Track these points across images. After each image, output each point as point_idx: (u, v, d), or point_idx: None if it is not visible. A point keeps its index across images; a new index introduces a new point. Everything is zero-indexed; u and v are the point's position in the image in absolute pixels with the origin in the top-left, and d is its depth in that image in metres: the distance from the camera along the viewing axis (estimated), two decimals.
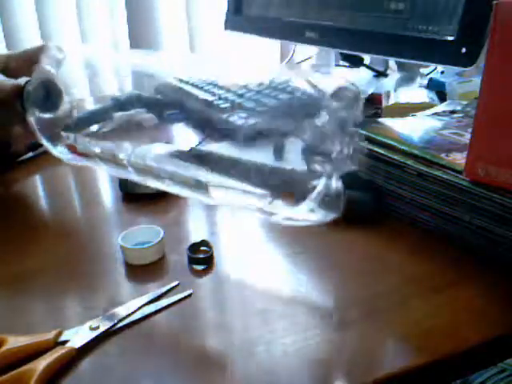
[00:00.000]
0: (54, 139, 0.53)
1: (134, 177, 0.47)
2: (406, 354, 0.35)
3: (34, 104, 0.53)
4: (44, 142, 0.53)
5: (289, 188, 0.40)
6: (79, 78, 0.58)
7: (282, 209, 0.41)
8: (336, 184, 0.39)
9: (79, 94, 0.57)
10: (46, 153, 0.68)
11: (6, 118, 0.56)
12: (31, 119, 0.53)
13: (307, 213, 0.40)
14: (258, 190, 0.41)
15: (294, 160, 0.41)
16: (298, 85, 0.45)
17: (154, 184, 0.46)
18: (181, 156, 0.46)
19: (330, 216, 0.40)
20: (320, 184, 0.39)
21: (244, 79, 0.50)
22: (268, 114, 0.44)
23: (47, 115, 0.54)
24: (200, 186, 0.43)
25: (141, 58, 0.57)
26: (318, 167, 0.39)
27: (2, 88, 0.54)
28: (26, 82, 0.54)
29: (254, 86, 0.50)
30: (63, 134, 0.52)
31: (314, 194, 0.39)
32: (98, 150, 0.49)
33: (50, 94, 0.54)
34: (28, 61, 0.56)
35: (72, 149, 0.51)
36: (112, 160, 0.48)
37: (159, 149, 0.48)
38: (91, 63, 0.58)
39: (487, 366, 0.67)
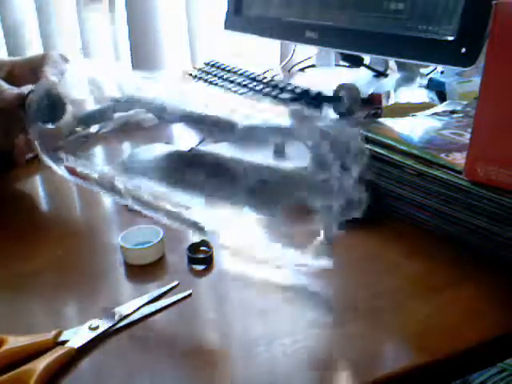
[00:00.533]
0: (55, 158, 0.52)
1: (130, 204, 0.47)
2: (406, 354, 0.35)
3: (36, 114, 0.53)
4: (45, 158, 0.53)
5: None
6: (80, 92, 0.57)
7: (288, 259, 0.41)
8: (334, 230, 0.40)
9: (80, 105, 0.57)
10: None
11: (8, 127, 0.56)
12: (33, 131, 0.53)
13: (311, 259, 0.41)
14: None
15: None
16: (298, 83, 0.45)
17: (151, 214, 0.46)
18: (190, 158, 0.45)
19: (327, 263, 0.40)
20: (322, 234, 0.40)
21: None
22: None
23: (49, 126, 0.53)
24: (198, 229, 0.44)
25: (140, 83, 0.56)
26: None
27: (5, 96, 0.54)
28: (30, 92, 0.54)
29: (254, 84, 0.49)
30: (62, 155, 0.52)
31: (317, 242, 0.40)
32: (95, 175, 0.49)
33: (53, 105, 0.53)
34: (32, 69, 0.56)
35: (71, 171, 0.51)
36: (109, 187, 0.48)
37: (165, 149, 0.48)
38: (92, 83, 0.58)
39: (487, 366, 0.67)
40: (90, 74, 0.56)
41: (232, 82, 0.83)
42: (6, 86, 0.55)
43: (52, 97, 0.53)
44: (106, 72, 0.57)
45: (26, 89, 0.54)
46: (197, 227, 0.44)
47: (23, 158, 0.60)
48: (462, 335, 0.36)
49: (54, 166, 0.52)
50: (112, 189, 0.47)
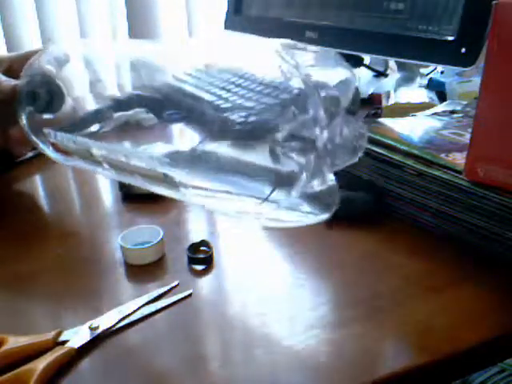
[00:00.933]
0: (42, 138, 0.52)
1: (109, 173, 0.47)
2: (406, 354, 0.35)
3: (27, 102, 0.52)
4: (37, 142, 0.52)
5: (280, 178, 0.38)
6: (80, 76, 0.57)
7: (265, 209, 0.39)
8: (327, 179, 0.37)
9: (80, 93, 0.56)
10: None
11: (3, 119, 0.56)
12: (22, 118, 0.52)
13: (292, 211, 0.38)
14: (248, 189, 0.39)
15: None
16: (298, 83, 0.45)
17: (127, 180, 0.46)
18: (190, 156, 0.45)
19: (321, 215, 0.38)
20: (301, 177, 0.37)
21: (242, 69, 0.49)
22: (263, 112, 0.44)
23: (46, 116, 0.53)
24: (170, 182, 0.42)
25: (141, 48, 0.56)
26: (297, 157, 0.36)
27: (2, 88, 0.54)
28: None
29: (254, 85, 0.49)
30: (45, 131, 0.51)
31: (295, 188, 0.36)
32: (73, 146, 0.48)
33: (49, 92, 0.52)
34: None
35: (55, 147, 0.51)
36: (88, 157, 0.47)
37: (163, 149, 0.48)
38: (91, 59, 0.57)
39: (487, 366, 0.67)
40: (86, 55, 0.56)
41: (232, 82, 0.82)
42: (3, 77, 0.55)
43: (46, 84, 0.52)
44: (103, 48, 0.57)
45: (22, 81, 0.54)
46: (173, 183, 0.42)
47: (21, 149, 0.59)
48: (461, 335, 0.36)
49: (42, 147, 0.52)
50: (90, 158, 0.46)
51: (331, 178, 0.38)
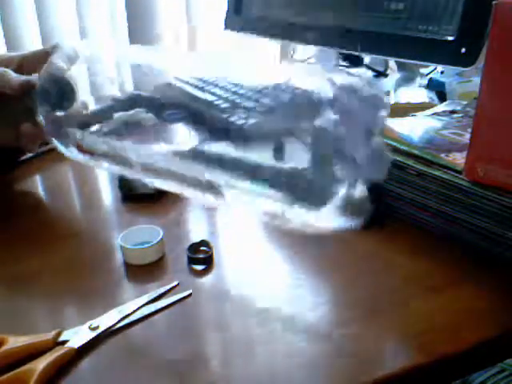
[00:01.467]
0: (63, 138, 0.52)
1: (141, 176, 0.46)
2: (406, 354, 0.35)
3: (45, 99, 0.52)
4: (54, 141, 0.52)
5: (309, 192, 0.39)
6: (84, 76, 0.57)
7: (299, 215, 0.39)
8: (360, 191, 0.38)
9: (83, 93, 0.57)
10: (46, 153, 0.68)
11: (14, 115, 0.56)
12: (41, 115, 0.52)
13: (327, 219, 0.39)
14: (275, 193, 0.40)
15: (310, 163, 0.39)
16: (299, 85, 0.45)
17: (162, 185, 0.46)
18: (191, 156, 0.45)
19: (353, 223, 0.39)
20: (342, 190, 0.38)
21: (246, 79, 0.49)
22: (270, 115, 0.44)
23: (59, 112, 0.53)
24: (211, 187, 0.42)
25: (144, 54, 0.56)
26: (339, 172, 0.37)
27: (11, 84, 0.54)
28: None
29: (254, 86, 0.49)
30: (70, 130, 0.52)
31: (335, 200, 0.38)
32: (104, 148, 0.49)
33: (62, 90, 0.53)
34: (41, 62, 0.56)
35: (79, 147, 0.51)
36: (118, 159, 0.47)
37: (167, 148, 0.47)
38: (94, 59, 0.57)
39: (487, 366, 0.67)
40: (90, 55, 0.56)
41: (232, 83, 0.82)
42: (13, 74, 0.55)
43: (60, 82, 0.53)
44: (106, 50, 0.57)
45: (33, 77, 0.54)
46: (212, 186, 0.42)
47: (32, 145, 0.59)
48: (461, 335, 0.36)
49: (64, 150, 0.52)
50: (121, 160, 0.46)
51: (363, 188, 0.39)
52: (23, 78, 0.54)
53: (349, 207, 0.38)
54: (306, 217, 0.39)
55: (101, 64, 0.58)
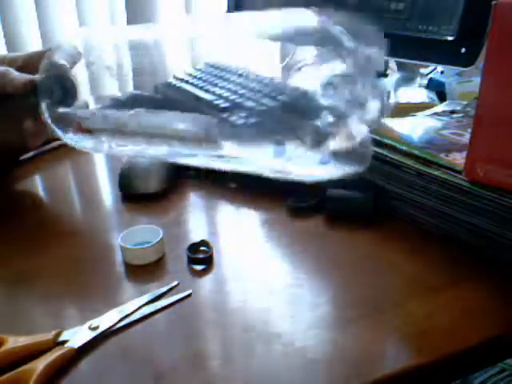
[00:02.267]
0: (62, 122, 0.52)
1: (141, 145, 0.46)
2: (405, 354, 0.35)
3: (45, 95, 0.52)
4: (55, 129, 0.52)
5: (304, 130, 0.38)
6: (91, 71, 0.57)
7: (293, 166, 0.38)
8: (362, 132, 0.36)
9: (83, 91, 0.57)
10: (46, 153, 0.68)
11: (17, 113, 0.56)
12: (43, 111, 0.52)
13: (321, 166, 0.38)
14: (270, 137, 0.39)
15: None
16: (297, 84, 0.44)
17: (163, 152, 0.45)
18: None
19: (352, 169, 0.37)
20: (338, 128, 0.36)
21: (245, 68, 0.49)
22: (270, 114, 0.44)
23: (62, 109, 0.53)
24: (210, 139, 0.41)
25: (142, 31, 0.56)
26: (340, 107, 0.36)
27: (14, 83, 0.54)
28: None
29: (254, 85, 0.49)
30: (66, 110, 0.52)
31: (331, 141, 0.36)
32: (102, 122, 0.48)
33: (64, 87, 0.53)
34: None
35: (77, 126, 0.51)
36: (118, 130, 0.47)
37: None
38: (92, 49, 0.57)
39: (487, 366, 0.67)
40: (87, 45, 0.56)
41: (232, 82, 0.82)
42: (16, 73, 0.55)
43: (62, 79, 0.53)
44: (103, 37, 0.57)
45: (36, 76, 0.54)
46: (210, 137, 0.42)
47: (35, 141, 0.59)
48: (461, 335, 0.36)
49: (65, 138, 0.52)
50: (120, 131, 0.46)
51: (363, 130, 0.38)
52: (26, 76, 0.54)
53: (347, 151, 0.37)
54: (305, 165, 0.39)
55: (99, 50, 0.57)
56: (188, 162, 0.46)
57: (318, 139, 0.37)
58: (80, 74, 0.56)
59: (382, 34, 0.38)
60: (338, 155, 0.37)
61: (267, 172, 0.41)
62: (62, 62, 0.54)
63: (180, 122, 0.44)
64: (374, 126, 0.39)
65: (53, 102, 0.52)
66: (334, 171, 0.38)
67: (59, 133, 0.52)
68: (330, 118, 0.36)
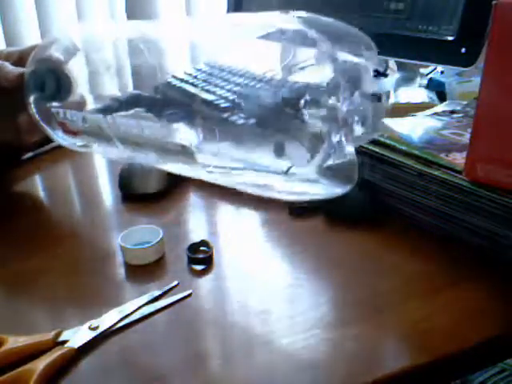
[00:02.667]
0: (49, 123, 0.51)
1: (121, 150, 0.46)
2: (405, 354, 0.35)
3: (34, 90, 0.51)
4: (42, 125, 0.52)
5: (303, 131, 0.37)
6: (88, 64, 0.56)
7: (279, 183, 0.38)
8: (347, 150, 0.35)
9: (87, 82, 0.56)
10: (46, 153, 0.68)
11: (12, 108, 0.55)
12: (32, 105, 0.51)
13: (308, 184, 0.37)
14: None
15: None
16: (298, 83, 0.44)
17: (140, 159, 0.45)
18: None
19: (340, 189, 0.37)
20: (323, 145, 0.35)
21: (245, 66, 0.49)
22: (270, 114, 0.44)
23: (55, 103, 0.52)
24: (186, 153, 0.41)
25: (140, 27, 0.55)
26: (319, 124, 0.35)
27: (8, 77, 0.53)
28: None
29: (254, 84, 0.49)
30: (54, 110, 0.51)
31: (315, 159, 0.35)
32: (85, 125, 0.48)
33: (57, 81, 0.51)
34: None
35: (64, 127, 0.50)
36: (99, 133, 0.47)
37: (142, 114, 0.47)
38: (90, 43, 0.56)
39: (487, 366, 0.67)
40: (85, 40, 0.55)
41: (232, 82, 0.82)
42: (10, 67, 0.54)
43: (54, 71, 0.51)
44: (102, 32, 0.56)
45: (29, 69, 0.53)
46: (190, 155, 0.41)
47: (29, 137, 0.59)
48: (461, 335, 0.36)
49: (55, 137, 0.52)
50: (101, 135, 0.46)
51: (351, 152, 0.37)
52: (20, 69, 0.54)
53: (338, 170, 0.36)
54: (288, 184, 0.38)
55: (97, 46, 0.57)
56: (169, 168, 0.46)
57: (317, 140, 0.37)
58: (79, 72, 0.56)
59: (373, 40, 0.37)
60: (326, 173, 0.37)
61: (250, 189, 0.41)
62: (55, 54, 0.53)
63: (158, 132, 0.44)
64: (369, 133, 0.38)
65: (44, 97, 0.51)
66: (322, 190, 0.38)
67: (47, 129, 0.52)
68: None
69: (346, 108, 0.36)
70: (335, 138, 0.36)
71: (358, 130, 0.37)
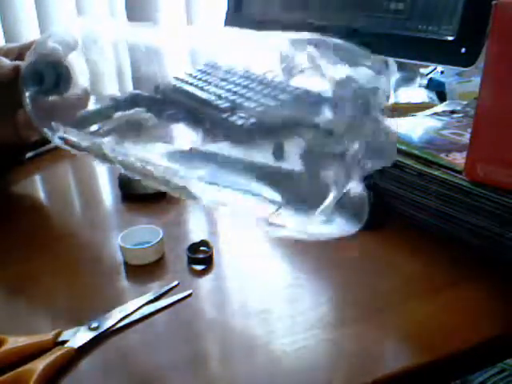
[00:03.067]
0: (50, 128, 0.51)
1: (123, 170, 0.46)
2: (405, 354, 0.35)
3: (33, 83, 0.50)
4: (35, 121, 0.51)
5: (298, 194, 0.37)
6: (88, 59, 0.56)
7: (290, 220, 0.37)
8: (356, 189, 0.35)
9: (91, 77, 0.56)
10: (46, 153, 0.68)
11: (9, 102, 0.55)
12: (26, 100, 0.50)
13: (322, 224, 0.36)
14: (263, 192, 0.38)
15: (299, 163, 0.38)
16: (299, 84, 0.44)
17: (145, 182, 0.45)
18: (176, 155, 0.45)
19: (352, 227, 0.36)
20: (333, 191, 0.35)
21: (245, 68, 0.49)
22: (269, 114, 0.44)
23: (51, 97, 0.51)
24: (186, 192, 0.41)
25: (141, 32, 0.55)
26: (327, 172, 0.35)
27: (4, 70, 0.52)
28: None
29: (254, 84, 0.49)
30: (53, 124, 0.50)
31: (326, 202, 0.35)
32: (86, 143, 0.48)
33: (56, 74, 0.51)
34: None
35: (66, 141, 0.50)
36: (101, 156, 0.47)
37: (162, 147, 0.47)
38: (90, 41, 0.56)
39: (487, 366, 0.67)
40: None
41: (232, 82, 0.83)
42: (7, 61, 0.54)
43: (52, 64, 0.51)
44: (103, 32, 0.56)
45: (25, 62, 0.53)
46: (186, 192, 0.41)
47: (28, 133, 0.58)
48: (461, 335, 0.36)
49: (49, 135, 0.51)
50: (102, 156, 0.46)
51: (360, 188, 0.36)
52: (15, 62, 0.53)
53: (344, 209, 0.36)
54: (300, 222, 0.37)
55: (97, 44, 0.57)
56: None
57: (318, 141, 0.36)
58: (78, 67, 0.56)
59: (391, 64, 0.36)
60: (336, 210, 0.36)
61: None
62: (54, 46, 0.52)
63: (154, 156, 0.44)
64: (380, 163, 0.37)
65: (43, 90, 0.50)
66: (335, 230, 0.37)
67: (42, 127, 0.51)
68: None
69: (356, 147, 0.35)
70: (344, 186, 0.35)
71: (368, 165, 0.36)
